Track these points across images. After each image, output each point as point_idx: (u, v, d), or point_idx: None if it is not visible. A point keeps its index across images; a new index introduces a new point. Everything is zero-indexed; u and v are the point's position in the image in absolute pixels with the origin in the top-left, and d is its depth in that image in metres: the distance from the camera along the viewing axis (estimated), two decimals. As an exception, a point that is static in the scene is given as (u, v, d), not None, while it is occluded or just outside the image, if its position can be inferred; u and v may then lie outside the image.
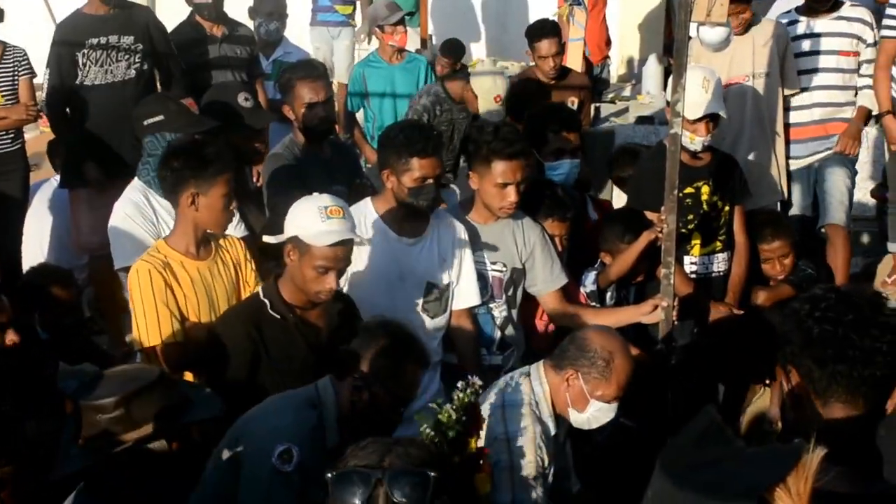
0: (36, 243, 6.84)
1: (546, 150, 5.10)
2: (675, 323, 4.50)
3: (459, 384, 3.21)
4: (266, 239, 3.88)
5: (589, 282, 4.91)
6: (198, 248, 3.99)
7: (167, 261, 3.89)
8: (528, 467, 3.51)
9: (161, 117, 4.43)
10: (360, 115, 7.76)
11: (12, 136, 6.23)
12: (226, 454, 3.13)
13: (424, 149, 4.12)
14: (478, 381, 3.19)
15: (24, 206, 6.33)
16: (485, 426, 3.56)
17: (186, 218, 3.95)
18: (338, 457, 2.04)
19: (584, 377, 3.62)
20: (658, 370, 4.39)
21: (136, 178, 4.49)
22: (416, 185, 4.15)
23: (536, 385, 3.70)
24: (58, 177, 6.97)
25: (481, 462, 3.13)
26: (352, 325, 3.88)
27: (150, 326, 3.80)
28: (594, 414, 3.66)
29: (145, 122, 4.44)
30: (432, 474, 1.65)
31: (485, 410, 3.66)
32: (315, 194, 3.70)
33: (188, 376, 3.86)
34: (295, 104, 4.96)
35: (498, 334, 4.55)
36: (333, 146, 5.36)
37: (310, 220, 3.59)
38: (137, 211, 4.26)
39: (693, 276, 5.13)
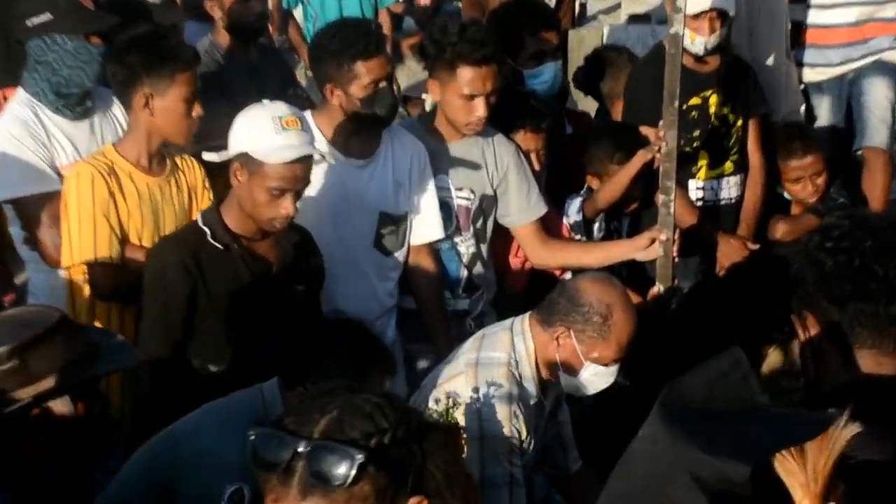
0: None
1: (523, 54, 5.09)
2: (677, 261, 4.55)
3: (431, 400, 3.22)
4: (207, 156, 3.90)
5: (573, 210, 4.94)
6: (150, 160, 4.02)
7: (114, 168, 3.92)
8: (501, 438, 3.56)
9: (48, 16, 4.37)
10: (298, 13, 7.71)
11: None
12: (153, 475, 3.13)
13: (367, 48, 4.12)
14: (458, 398, 3.23)
15: None
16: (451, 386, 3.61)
17: (139, 123, 3.98)
18: None
19: (578, 336, 3.65)
20: (656, 318, 4.43)
21: (20, 91, 4.43)
22: (369, 93, 4.15)
23: (519, 342, 3.73)
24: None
25: None
26: (309, 262, 3.95)
27: (83, 239, 3.84)
28: (589, 378, 3.71)
29: (28, 23, 4.37)
30: (359, 457, 1.68)
31: (454, 368, 3.71)
32: (267, 102, 3.71)
33: (114, 312, 3.90)
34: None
35: (464, 273, 4.61)
36: (262, 50, 5.33)
37: (262, 132, 3.60)
38: (25, 130, 4.19)
39: (699, 203, 5.19)
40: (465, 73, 4.30)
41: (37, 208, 4.11)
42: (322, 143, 4.26)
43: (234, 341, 3.75)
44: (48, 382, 2.55)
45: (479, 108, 4.33)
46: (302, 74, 7.48)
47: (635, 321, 3.68)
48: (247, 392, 3.32)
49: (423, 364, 4.53)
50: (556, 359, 3.69)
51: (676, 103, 4.42)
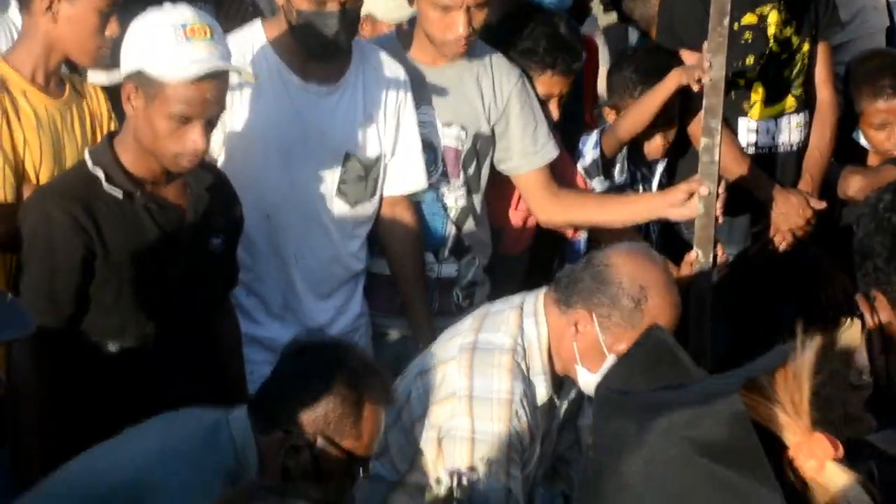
0: None
1: None
2: (721, 221, 4.52)
3: (443, 475, 3.27)
4: (93, 77, 3.87)
5: (588, 147, 4.94)
6: (47, 79, 3.99)
7: (5, 82, 3.89)
8: (496, 443, 3.54)
9: None
10: None
11: None
12: None
13: None
14: (463, 475, 3.29)
15: None
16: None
17: (37, 30, 3.94)
18: None
19: (602, 322, 3.62)
20: (694, 292, 4.39)
21: None
22: (312, 9, 4.12)
23: (530, 325, 3.70)
24: None
25: None
26: (226, 211, 3.93)
27: None
28: None
29: None
30: None
31: (446, 351, 3.73)
32: (167, 5, 3.67)
33: None
34: None
35: (452, 232, 4.59)
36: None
37: (159, 43, 3.57)
38: None
39: (750, 149, 5.15)
40: None
41: None
42: (273, 61, 4.24)
43: (140, 312, 3.72)
44: None
45: (457, 24, 4.30)
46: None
47: (676, 309, 3.66)
48: (212, 431, 3.30)
49: (394, 343, 4.55)
50: (574, 350, 3.65)
51: (726, 22, 4.37)
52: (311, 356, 3.38)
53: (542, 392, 3.68)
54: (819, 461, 1.70)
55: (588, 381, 3.69)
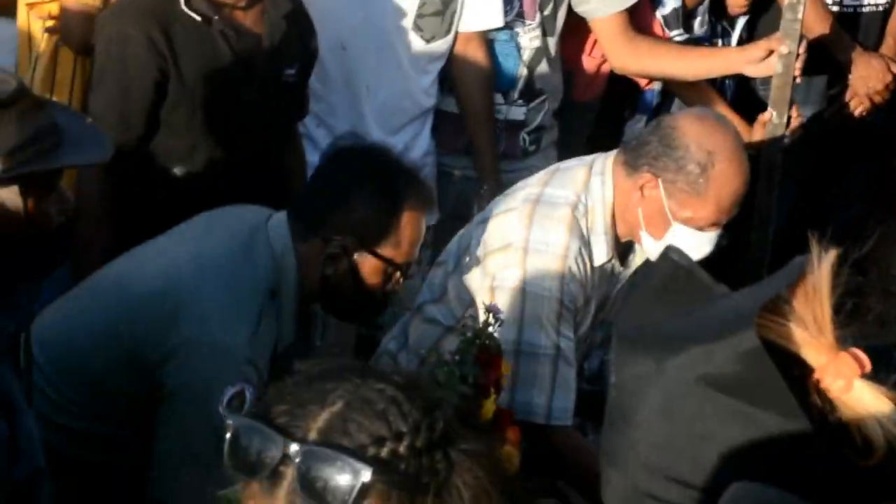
0: None
1: None
2: (798, 81, 4.46)
3: (468, 316, 3.22)
4: None
5: None
6: None
7: None
8: (548, 298, 3.51)
9: None
10: None
11: None
12: (134, 345, 3.09)
13: None
14: (500, 313, 3.17)
15: None
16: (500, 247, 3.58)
17: None
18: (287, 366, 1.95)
19: (667, 187, 3.55)
20: (765, 152, 4.37)
21: None
22: None
23: (597, 184, 3.64)
24: None
25: (506, 430, 3.15)
26: (302, 40, 3.90)
27: None
28: (678, 245, 3.58)
29: None
30: (365, 472, 1.60)
31: (511, 201, 3.69)
32: None
33: (79, 78, 3.84)
34: None
35: (524, 73, 4.56)
36: None
37: None
38: None
39: (835, 7, 5.08)
40: None
41: None
42: None
43: (209, 136, 3.72)
44: None
45: None
46: None
47: (743, 177, 3.58)
48: (250, 237, 3.28)
49: (458, 183, 4.56)
50: (639, 214, 3.61)
51: None
52: (349, 161, 3.36)
53: (602, 253, 3.63)
54: (847, 380, 1.65)
55: (652, 247, 3.62)
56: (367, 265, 3.27)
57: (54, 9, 3.80)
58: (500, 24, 4.43)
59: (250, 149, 3.78)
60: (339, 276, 3.27)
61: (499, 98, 4.53)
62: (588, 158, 3.75)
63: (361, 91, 4.27)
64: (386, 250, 3.26)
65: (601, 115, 4.90)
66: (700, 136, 3.55)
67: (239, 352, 3.08)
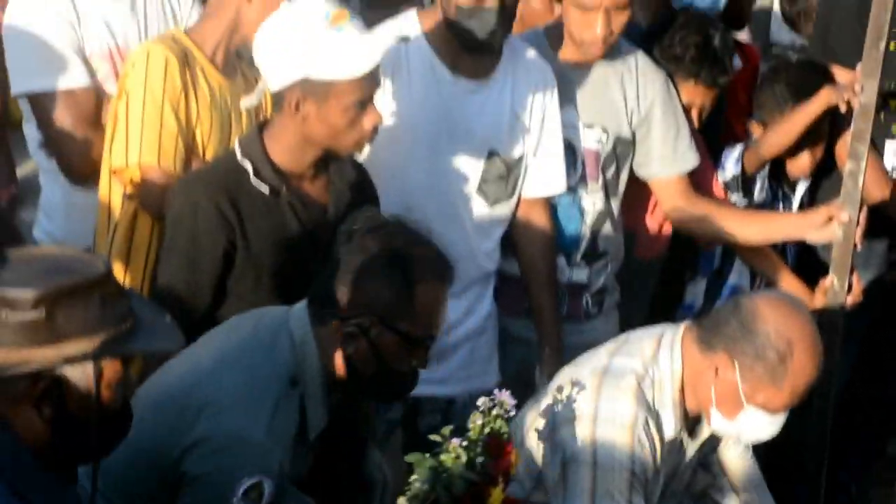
0: None
1: None
2: (858, 248, 4.49)
3: (480, 402, 3.22)
4: (246, 103, 3.89)
5: (730, 163, 4.91)
6: (225, 59, 4.06)
7: (188, 56, 3.96)
8: (618, 470, 3.54)
9: None
10: None
11: None
12: (161, 445, 3.15)
13: None
14: (508, 400, 3.21)
15: None
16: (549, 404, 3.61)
17: (227, 9, 4.01)
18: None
19: (743, 371, 3.58)
20: (826, 318, 4.39)
21: None
22: (470, 4, 4.12)
23: (665, 356, 3.68)
24: None
25: None
26: (369, 209, 3.89)
27: (147, 135, 3.86)
28: (748, 426, 3.66)
29: None
30: None
31: (576, 371, 3.71)
32: (296, 3, 3.66)
33: (153, 248, 3.90)
34: None
35: (586, 236, 4.61)
36: None
37: (317, 44, 3.56)
38: (47, 5, 4.16)
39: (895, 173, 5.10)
40: None
41: (59, 107, 4.12)
42: (425, 52, 4.26)
43: (275, 305, 3.69)
44: (73, 347, 2.53)
45: (596, 25, 4.30)
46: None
47: (819, 367, 3.60)
48: (271, 330, 3.32)
49: (520, 346, 4.57)
50: (712, 393, 3.63)
51: (882, 45, 4.32)
52: (361, 240, 3.32)
53: (670, 426, 3.66)
54: None
55: (722, 425, 3.67)
56: (387, 342, 3.25)
57: (136, 175, 3.89)
58: (563, 189, 4.47)
59: None
60: (359, 355, 3.26)
61: (561, 260, 4.56)
62: (656, 330, 3.78)
63: None
64: (404, 325, 3.24)
65: (663, 275, 4.94)
66: (780, 323, 3.57)
67: (255, 442, 3.11)
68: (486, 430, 3.13)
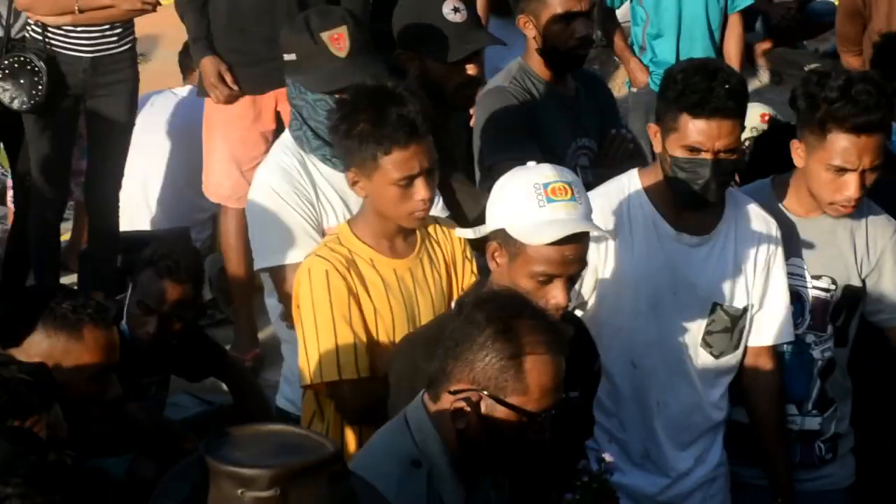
0: (138, 186, 7.31)
1: None
2: None
3: (582, 463, 3.33)
4: (460, 233, 4.05)
5: None
6: (391, 241, 4.14)
7: (352, 257, 4.07)
8: None
9: (293, 56, 4.50)
10: (622, 12, 7.87)
11: (119, 31, 6.65)
12: None
13: (704, 102, 4.19)
14: (608, 457, 3.32)
15: (128, 135, 6.79)
16: None
17: (368, 195, 4.11)
18: None
19: None
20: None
21: (286, 135, 4.62)
22: (684, 157, 4.26)
23: None
24: (180, 88, 7.35)
25: None
26: (587, 363, 4.05)
27: (324, 353, 4.00)
28: None
29: (285, 58, 4.56)
30: None
31: None
32: (531, 164, 3.83)
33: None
34: (540, 12, 5.14)
35: (816, 384, 4.65)
36: (580, 75, 5.48)
37: (521, 204, 3.71)
38: (289, 184, 4.40)
39: None
40: (840, 141, 4.33)
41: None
42: (647, 209, 4.41)
43: None
44: None
45: (851, 187, 4.36)
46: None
47: None
48: (396, 422, 3.37)
49: (753, 494, 4.62)
50: None
51: None
52: (469, 312, 3.29)
53: None
54: None
55: None
56: (499, 416, 3.21)
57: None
58: (791, 338, 4.54)
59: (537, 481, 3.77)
60: (471, 430, 3.22)
61: (792, 409, 4.61)
62: None
63: (653, 407, 4.41)
64: (514, 398, 3.19)
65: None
66: None
67: None
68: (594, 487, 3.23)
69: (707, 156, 4.22)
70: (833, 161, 4.36)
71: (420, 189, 3.98)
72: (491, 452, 3.26)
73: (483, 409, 3.22)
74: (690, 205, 4.35)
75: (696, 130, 4.21)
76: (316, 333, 4.02)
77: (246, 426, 2.82)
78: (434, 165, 4.03)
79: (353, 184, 4.06)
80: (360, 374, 4.03)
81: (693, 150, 4.23)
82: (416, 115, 3.96)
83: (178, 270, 4.97)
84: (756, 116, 5.63)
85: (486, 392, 3.20)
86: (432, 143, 4.02)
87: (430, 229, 4.26)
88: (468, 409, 3.21)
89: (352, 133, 4.01)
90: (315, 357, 4.02)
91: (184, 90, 7.70)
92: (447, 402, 3.24)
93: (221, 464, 2.62)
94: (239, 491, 2.60)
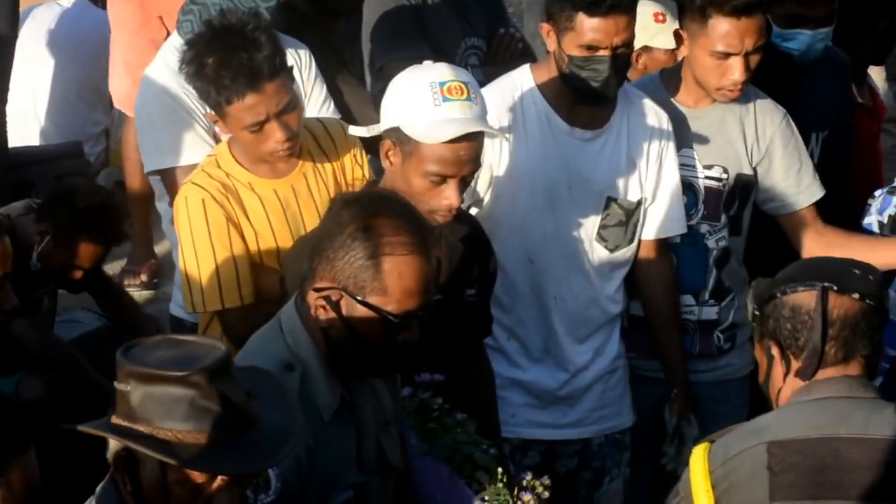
0: (28, 100, 7.20)
1: (777, 11, 4.92)
2: None
3: (525, 479, 3.41)
4: (354, 130, 4.04)
5: (876, 209, 4.78)
6: (269, 162, 4.10)
7: (230, 181, 4.05)
8: None
9: None
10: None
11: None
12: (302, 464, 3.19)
13: (599, 2, 4.21)
14: (545, 482, 3.43)
15: (10, 48, 6.66)
16: None
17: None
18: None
19: None
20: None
21: (174, 36, 4.64)
22: (582, 55, 4.29)
23: None
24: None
25: None
26: (480, 262, 4.10)
27: (205, 283, 4.00)
28: None
29: None
30: None
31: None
32: (427, 63, 3.84)
33: None
34: None
35: (713, 274, 4.73)
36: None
37: (417, 102, 3.73)
38: (178, 84, 4.37)
39: None
40: (721, 25, 4.39)
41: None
42: (540, 105, 4.45)
43: None
44: None
45: (735, 70, 4.43)
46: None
47: None
48: (264, 332, 3.36)
49: (652, 386, 4.72)
50: None
51: None
52: (335, 210, 3.29)
53: None
54: None
55: None
56: (359, 315, 3.19)
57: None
58: (684, 230, 4.61)
59: (438, 371, 3.84)
60: (334, 329, 3.21)
61: (689, 299, 4.69)
62: None
63: (550, 302, 4.47)
64: (374, 298, 3.16)
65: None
66: None
67: None
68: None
69: (605, 53, 4.26)
70: (716, 47, 4.43)
71: (274, 131, 3.95)
72: (357, 353, 3.24)
73: (344, 309, 3.19)
74: (589, 101, 4.40)
75: (593, 29, 4.24)
76: (197, 264, 4.03)
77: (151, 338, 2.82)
78: (287, 106, 3.97)
79: (213, 122, 4.08)
80: (243, 300, 4.04)
81: (591, 48, 4.26)
82: (262, 60, 3.91)
83: (102, 230, 4.96)
84: (649, 15, 5.67)
85: (345, 291, 3.18)
86: (284, 83, 3.97)
87: (317, 138, 4.23)
88: (328, 307, 3.19)
89: (199, 76, 3.99)
90: (197, 287, 4.04)
91: (68, 0, 7.58)
92: (311, 300, 3.22)
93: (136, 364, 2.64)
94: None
